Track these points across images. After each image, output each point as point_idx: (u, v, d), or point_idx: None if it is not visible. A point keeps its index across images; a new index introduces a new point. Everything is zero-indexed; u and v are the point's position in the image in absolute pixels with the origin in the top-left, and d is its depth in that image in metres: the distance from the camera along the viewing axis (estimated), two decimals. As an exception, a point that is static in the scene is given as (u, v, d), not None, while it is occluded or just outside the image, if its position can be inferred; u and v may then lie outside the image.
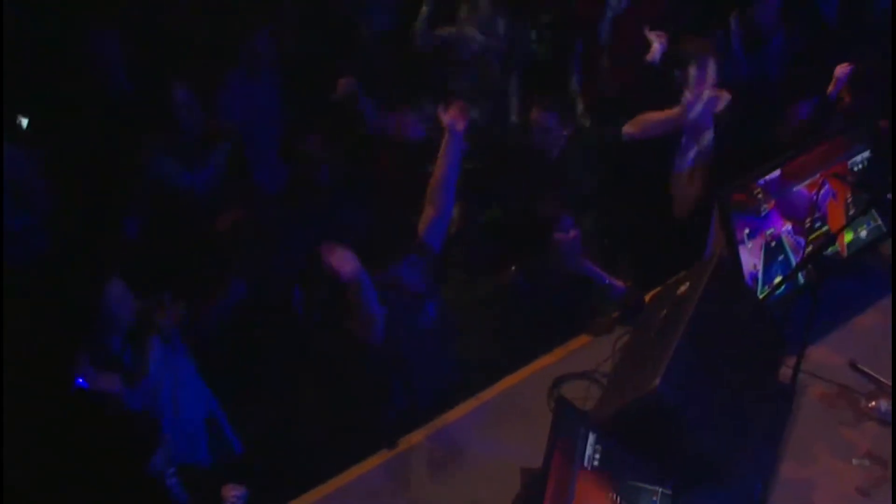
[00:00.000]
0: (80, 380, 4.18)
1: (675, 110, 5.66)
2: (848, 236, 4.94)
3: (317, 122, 6.01)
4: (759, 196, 4.63)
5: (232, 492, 4.05)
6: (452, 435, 4.36)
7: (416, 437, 4.36)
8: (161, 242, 5.30)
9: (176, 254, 5.17)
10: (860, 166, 4.97)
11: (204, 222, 5.38)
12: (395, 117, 5.99)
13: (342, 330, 4.62)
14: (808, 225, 4.74)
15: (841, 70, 5.83)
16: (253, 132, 6.21)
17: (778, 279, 4.64)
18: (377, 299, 4.40)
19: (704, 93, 5.64)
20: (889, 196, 4.83)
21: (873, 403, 4.25)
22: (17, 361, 4.28)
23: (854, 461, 4.06)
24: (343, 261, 4.24)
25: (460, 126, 4.71)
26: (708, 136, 5.79)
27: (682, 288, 4.22)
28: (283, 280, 5.24)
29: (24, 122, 5.75)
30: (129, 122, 5.78)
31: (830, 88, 5.84)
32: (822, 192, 4.75)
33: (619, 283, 4.91)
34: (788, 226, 4.75)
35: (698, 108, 5.64)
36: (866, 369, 4.42)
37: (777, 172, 4.66)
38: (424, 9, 6.64)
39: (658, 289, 4.66)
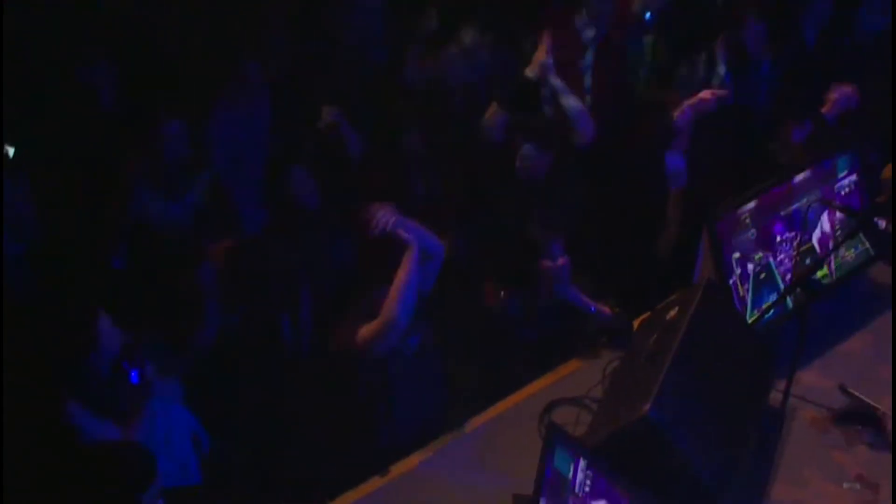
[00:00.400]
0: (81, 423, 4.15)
1: None
2: (836, 260, 4.97)
3: (301, 151, 6.01)
4: (747, 221, 4.65)
5: None
6: (444, 461, 4.35)
7: (408, 463, 4.35)
8: (147, 273, 5.27)
9: (162, 284, 5.13)
10: (847, 191, 5.00)
11: (189, 251, 5.36)
12: None
13: (331, 357, 4.62)
14: (796, 249, 4.77)
15: (837, 93, 5.86)
16: (240, 159, 6.21)
17: (767, 304, 4.65)
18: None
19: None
20: (876, 220, 4.87)
21: (862, 427, 4.26)
22: (4, 393, 4.25)
23: (845, 485, 4.06)
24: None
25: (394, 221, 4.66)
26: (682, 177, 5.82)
27: (672, 313, 4.23)
28: (271, 307, 5.23)
29: (11, 150, 5.73)
30: (115, 151, 5.77)
31: (827, 108, 5.87)
32: (809, 216, 4.78)
33: (605, 310, 4.91)
34: (777, 250, 4.77)
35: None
36: (856, 393, 4.42)
37: (760, 199, 4.69)
38: (414, 42, 6.65)
39: (647, 314, 4.67)
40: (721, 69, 6.71)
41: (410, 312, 4.50)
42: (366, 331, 4.49)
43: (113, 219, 5.44)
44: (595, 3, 6.61)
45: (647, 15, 7.46)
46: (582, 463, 3.58)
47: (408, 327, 4.59)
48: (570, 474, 3.52)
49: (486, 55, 6.60)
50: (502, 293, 4.99)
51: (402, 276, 4.47)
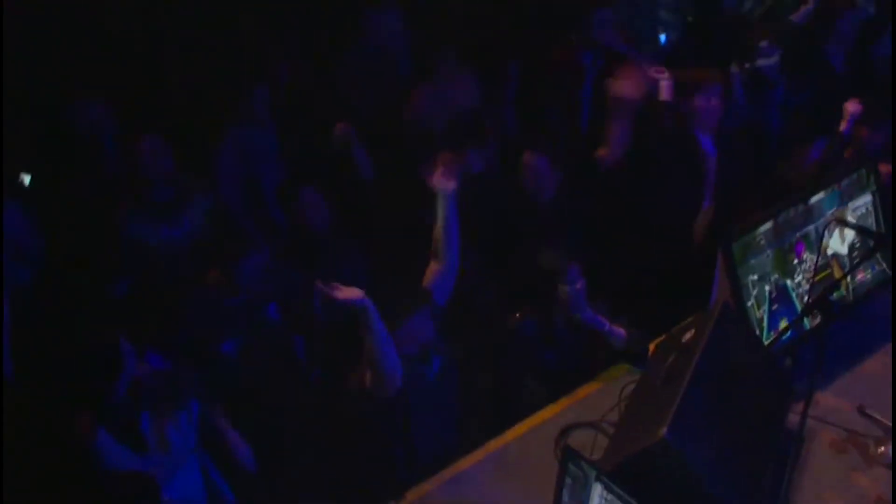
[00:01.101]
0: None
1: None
2: (852, 281, 4.94)
3: (312, 169, 6.00)
4: (763, 242, 4.63)
5: None
6: (460, 486, 4.33)
7: (424, 488, 4.34)
8: (150, 300, 5.25)
9: (166, 310, 5.11)
10: (863, 210, 4.98)
11: (190, 277, 5.34)
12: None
13: (346, 380, 4.61)
14: (812, 270, 4.75)
15: (853, 106, 5.85)
16: (253, 184, 6.22)
17: (783, 325, 4.63)
18: (392, 346, 4.39)
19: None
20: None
21: (882, 449, 4.23)
22: (14, 418, 4.26)
23: (865, 507, 4.04)
24: (347, 290, 4.23)
25: (451, 186, 4.70)
26: (712, 163, 5.81)
27: (688, 335, 4.20)
28: (285, 330, 5.22)
29: (27, 178, 5.77)
30: (116, 184, 5.80)
31: (843, 125, 5.86)
32: (825, 237, 4.76)
33: (619, 330, 4.90)
34: (793, 272, 4.75)
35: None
36: (875, 414, 4.39)
37: (776, 220, 4.67)
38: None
39: (663, 336, 4.65)
40: (737, 93, 6.73)
41: (396, 363, 4.41)
42: (367, 379, 4.45)
43: (107, 246, 5.45)
44: (594, 31, 6.65)
45: (662, 38, 7.51)
46: (598, 487, 3.56)
47: (433, 344, 4.58)
48: (587, 499, 3.51)
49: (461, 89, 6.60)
50: (518, 314, 4.98)
51: (369, 342, 4.34)
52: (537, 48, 6.96)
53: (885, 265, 5.05)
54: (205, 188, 5.92)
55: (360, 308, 4.24)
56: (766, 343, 4.56)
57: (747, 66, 6.76)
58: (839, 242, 4.93)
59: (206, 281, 5.04)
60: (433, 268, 4.77)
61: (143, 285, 5.35)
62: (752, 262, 4.60)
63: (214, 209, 5.86)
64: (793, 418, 4.24)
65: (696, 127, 5.81)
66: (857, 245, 4.94)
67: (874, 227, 5.01)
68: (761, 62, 6.72)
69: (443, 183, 4.69)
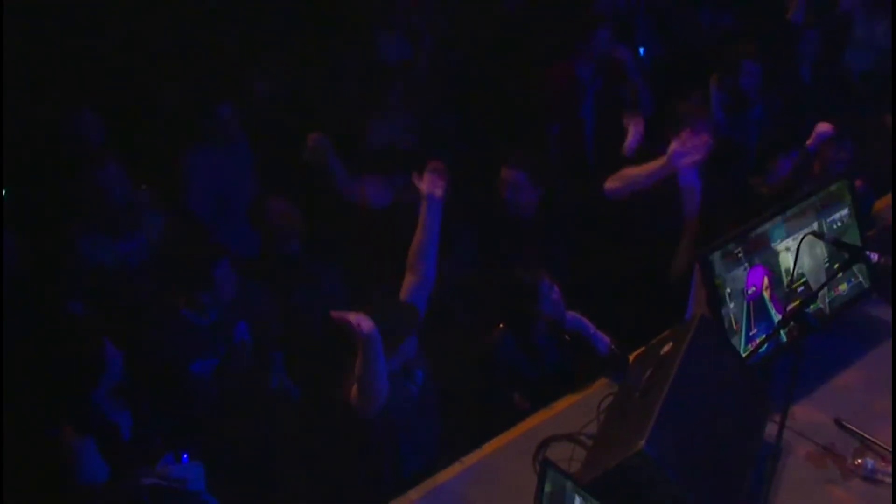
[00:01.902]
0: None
1: (660, 160, 5.49)
2: (829, 294, 4.97)
3: (286, 183, 5.95)
4: (740, 255, 4.65)
5: None
6: (439, 498, 4.32)
7: (404, 502, 4.32)
8: (106, 321, 5.17)
9: (132, 331, 5.03)
10: (839, 224, 5.01)
11: (153, 295, 5.27)
12: (359, 184, 5.94)
13: (333, 391, 4.58)
14: (789, 283, 4.77)
15: (822, 127, 5.88)
16: (223, 200, 6.17)
17: (760, 338, 4.65)
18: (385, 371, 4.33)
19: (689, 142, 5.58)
20: (868, 253, 4.88)
21: (859, 461, 4.24)
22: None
23: (842, 519, 4.05)
24: (361, 318, 4.14)
25: (438, 192, 4.67)
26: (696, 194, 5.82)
27: (666, 348, 4.22)
28: (262, 351, 5.18)
29: (3, 192, 5.75)
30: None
31: (810, 142, 5.89)
32: (801, 249, 4.78)
33: (604, 337, 4.89)
34: (769, 284, 4.77)
35: (684, 159, 5.54)
36: (852, 427, 4.41)
37: (753, 233, 4.69)
38: None
39: (641, 349, 4.66)
40: (715, 109, 6.76)
41: (384, 389, 4.31)
42: (352, 394, 4.37)
43: (61, 263, 5.40)
44: (595, 47, 6.69)
45: (641, 50, 7.56)
46: (577, 499, 3.56)
47: (415, 358, 4.55)
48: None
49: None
50: (500, 325, 4.97)
51: (364, 369, 4.22)
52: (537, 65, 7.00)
53: (861, 278, 5.08)
54: (162, 204, 5.85)
55: (367, 339, 4.14)
56: (743, 356, 4.58)
57: (728, 81, 6.81)
58: (816, 255, 4.95)
59: (177, 303, 4.96)
60: (409, 280, 4.72)
61: (101, 304, 5.28)
62: (730, 274, 4.62)
63: (177, 224, 5.78)
64: (769, 431, 4.26)
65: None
66: (834, 258, 4.97)
67: (850, 240, 5.04)
68: (741, 78, 6.76)
69: (430, 188, 4.65)
